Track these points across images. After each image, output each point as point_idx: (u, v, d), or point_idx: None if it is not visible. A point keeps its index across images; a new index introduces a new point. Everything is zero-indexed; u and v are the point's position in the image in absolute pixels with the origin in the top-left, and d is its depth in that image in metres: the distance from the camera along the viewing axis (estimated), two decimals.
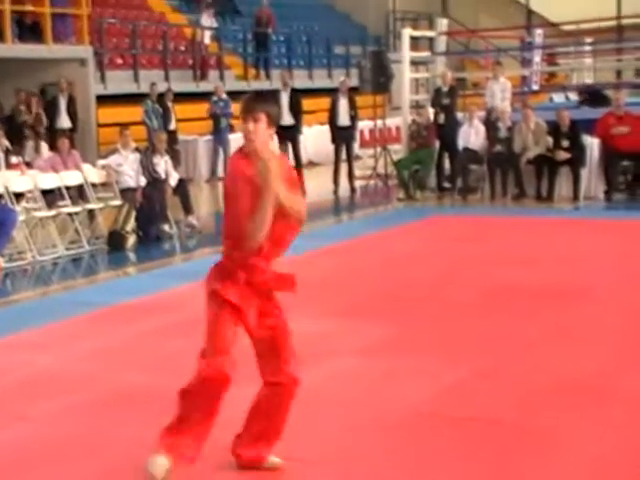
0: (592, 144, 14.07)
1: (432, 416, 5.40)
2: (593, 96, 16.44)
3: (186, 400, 4.50)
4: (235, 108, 20.15)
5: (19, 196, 11.45)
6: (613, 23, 21.65)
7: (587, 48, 20.17)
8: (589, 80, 19.25)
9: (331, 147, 16.57)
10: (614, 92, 15.96)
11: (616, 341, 6.79)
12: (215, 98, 19.16)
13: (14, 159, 13.17)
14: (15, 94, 16.61)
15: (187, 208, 12.78)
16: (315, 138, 18.36)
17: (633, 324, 7.23)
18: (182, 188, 12.81)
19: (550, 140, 14.08)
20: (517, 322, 7.30)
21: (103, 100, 18.83)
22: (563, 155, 13.83)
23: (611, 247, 10.38)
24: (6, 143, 13.49)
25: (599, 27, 20.90)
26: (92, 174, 12.39)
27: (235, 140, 19.28)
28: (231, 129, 19.62)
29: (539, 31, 21.24)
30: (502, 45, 21.06)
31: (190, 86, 21.41)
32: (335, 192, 16.12)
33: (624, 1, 25.56)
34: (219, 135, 18.91)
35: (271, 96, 4.92)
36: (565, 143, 13.90)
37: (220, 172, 18.92)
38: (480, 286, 8.55)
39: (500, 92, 15.65)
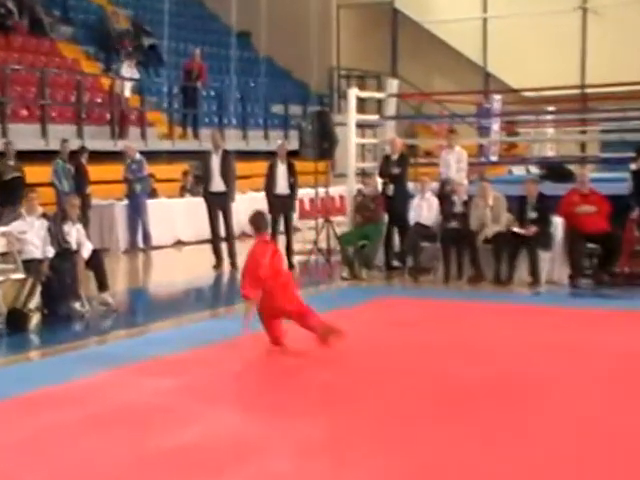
0: (556, 223, 14.21)
1: None
2: (556, 171, 16.65)
3: None
4: (151, 170, 19.72)
5: None
6: (577, 92, 22.13)
7: (549, 117, 20.54)
8: (551, 153, 19.59)
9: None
10: (578, 167, 16.20)
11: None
12: (128, 160, 18.92)
13: None
14: None
15: (102, 283, 12.59)
16: (249, 206, 18.34)
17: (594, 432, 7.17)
18: (96, 260, 12.63)
19: (510, 217, 14.18)
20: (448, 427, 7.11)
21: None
22: (532, 229, 13.86)
23: (573, 339, 10.39)
24: None
25: (562, 95, 21.30)
26: None
27: (153, 205, 18.94)
28: (153, 192, 19.27)
29: (497, 97, 21.61)
30: (457, 110, 21.40)
31: (107, 144, 21.26)
32: None
33: (589, 69, 26.23)
34: (133, 201, 18.74)
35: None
36: (533, 215, 13.99)
37: (140, 242, 18.57)
38: (426, 382, 8.47)
39: (455, 162, 15.85)
